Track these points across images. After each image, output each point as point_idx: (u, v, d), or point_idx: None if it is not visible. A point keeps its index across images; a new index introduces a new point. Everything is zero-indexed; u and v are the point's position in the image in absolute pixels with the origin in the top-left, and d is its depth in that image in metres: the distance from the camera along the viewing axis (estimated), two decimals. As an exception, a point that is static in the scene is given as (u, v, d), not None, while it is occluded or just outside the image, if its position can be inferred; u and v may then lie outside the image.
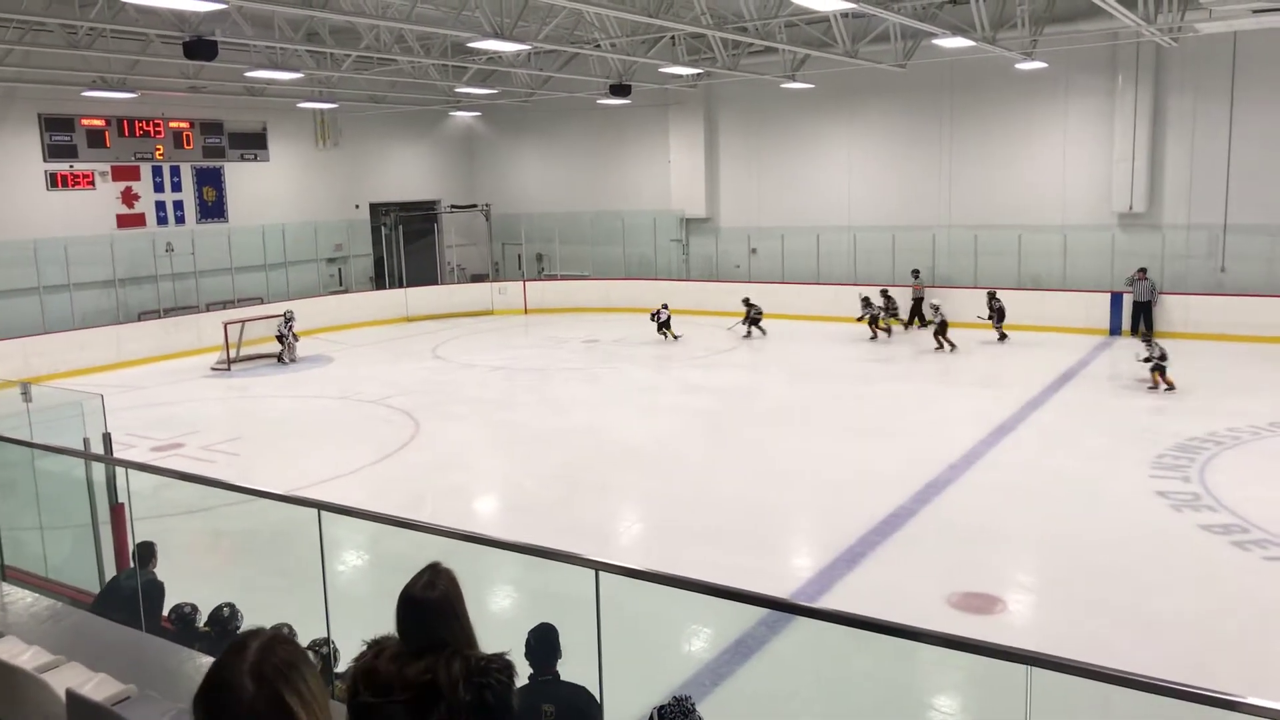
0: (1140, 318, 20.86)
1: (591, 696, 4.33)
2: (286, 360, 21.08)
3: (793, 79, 21.37)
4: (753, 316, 22.63)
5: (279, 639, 1.80)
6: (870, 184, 25.20)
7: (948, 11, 17.62)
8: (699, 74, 23.14)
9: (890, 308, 22.56)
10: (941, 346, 20.24)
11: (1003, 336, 20.94)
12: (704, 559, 9.31)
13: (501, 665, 2.56)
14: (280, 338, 21.21)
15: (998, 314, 21.02)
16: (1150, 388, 16.20)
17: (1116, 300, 21.36)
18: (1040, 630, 8.13)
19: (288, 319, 21.40)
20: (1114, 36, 19.79)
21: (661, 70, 21.57)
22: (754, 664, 7.44)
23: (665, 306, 22.88)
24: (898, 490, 11.41)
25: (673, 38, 20.07)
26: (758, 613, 7.48)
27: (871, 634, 3.47)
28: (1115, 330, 21.27)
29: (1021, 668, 3.10)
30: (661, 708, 2.80)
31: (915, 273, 23.74)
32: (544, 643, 4.61)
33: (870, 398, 16.65)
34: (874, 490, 11.52)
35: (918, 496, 11.29)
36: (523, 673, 4.67)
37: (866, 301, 22.14)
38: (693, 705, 2.93)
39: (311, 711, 1.74)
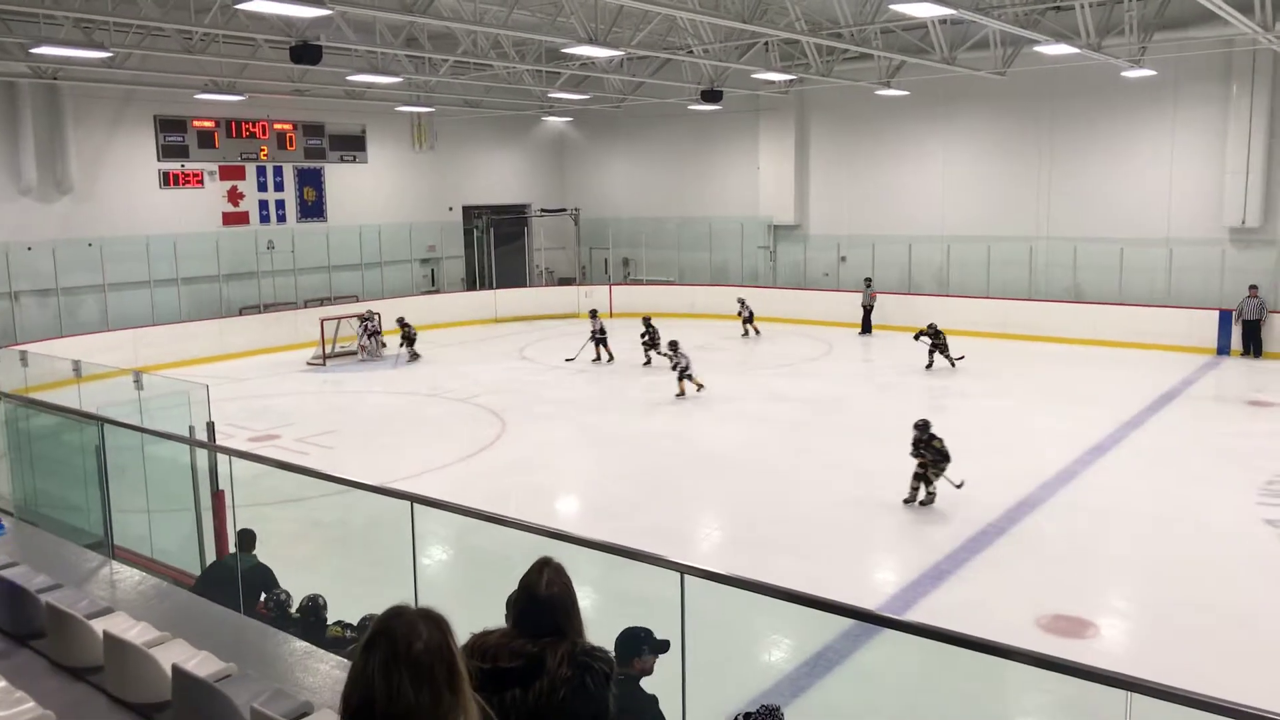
0: (1250, 338, 19.99)
1: (658, 709, 4.33)
2: (362, 357, 21.76)
3: (888, 85, 21.06)
4: (408, 335, 21.69)
5: (430, 607, 2.12)
6: (965, 193, 24.66)
7: (1051, 18, 17.14)
8: (791, 80, 22.98)
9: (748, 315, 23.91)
10: (747, 334, 23.45)
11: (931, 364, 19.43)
12: (785, 569, 9.22)
13: (605, 657, 2.66)
14: (371, 335, 21.97)
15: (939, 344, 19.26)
16: (679, 395, 16.98)
17: (1225, 318, 20.46)
18: (1134, 657, 7.84)
19: (365, 319, 22.14)
20: (1229, 44, 19.00)
21: (754, 76, 21.49)
22: (834, 677, 7.34)
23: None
24: (987, 508, 11.13)
25: (766, 43, 19.97)
26: (839, 625, 7.38)
27: (957, 652, 3.39)
28: (1224, 350, 20.38)
29: (1119, 694, 3.00)
30: (749, 714, 2.79)
31: (868, 281, 24.44)
32: (627, 644, 4.64)
33: (962, 412, 16.26)
34: (962, 506, 11.25)
35: (1008, 515, 11.00)
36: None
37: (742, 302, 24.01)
38: (782, 716, 2.91)
39: (464, 664, 2.06)
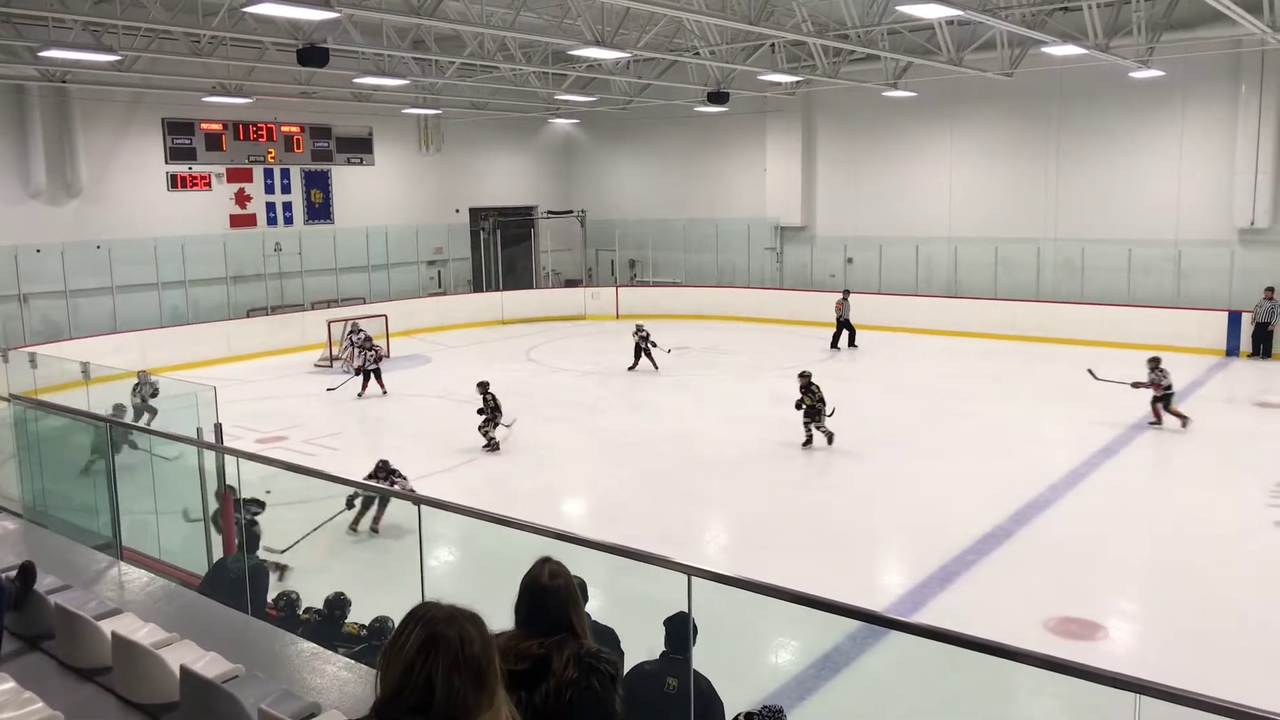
0: (1259, 340, 19.92)
1: (713, 688, 4.37)
2: (344, 368, 19.87)
3: (894, 87, 21.03)
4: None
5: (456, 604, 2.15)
6: (973, 194, 24.63)
7: (1058, 18, 17.10)
8: (798, 81, 22.97)
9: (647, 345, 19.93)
10: (656, 365, 19.81)
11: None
12: (792, 572, 9.16)
13: (610, 659, 2.65)
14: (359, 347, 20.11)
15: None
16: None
17: (1234, 320, 20.39)
18: (1143, 660, 7.81)
19: (353, 332, 20.22)
20: (1237, 44, 18.94)
21: (760, 78, 21.47)
22: (841, 679, 7.33)
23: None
24: (995, 510, 11.10)
25: (772, 45, 19.97)
26: (846, 627, 7.37)
27: (964, 654, 3.38)
28: (1233, 351, 20.31)
29: (1127, 697, 2.98)
30: (750, 714, 2.79)
31: (846, 292, 22.97)
32: (683, 629, 4.69)
33: (968, 414, 16.23)
34: (970, 509, 11.23)
35: (1016, 517, 10.97)
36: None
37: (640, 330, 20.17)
38: (784, 717, 2.91)
39: (499, 662, 2.09)
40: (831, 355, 21.80)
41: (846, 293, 23.02)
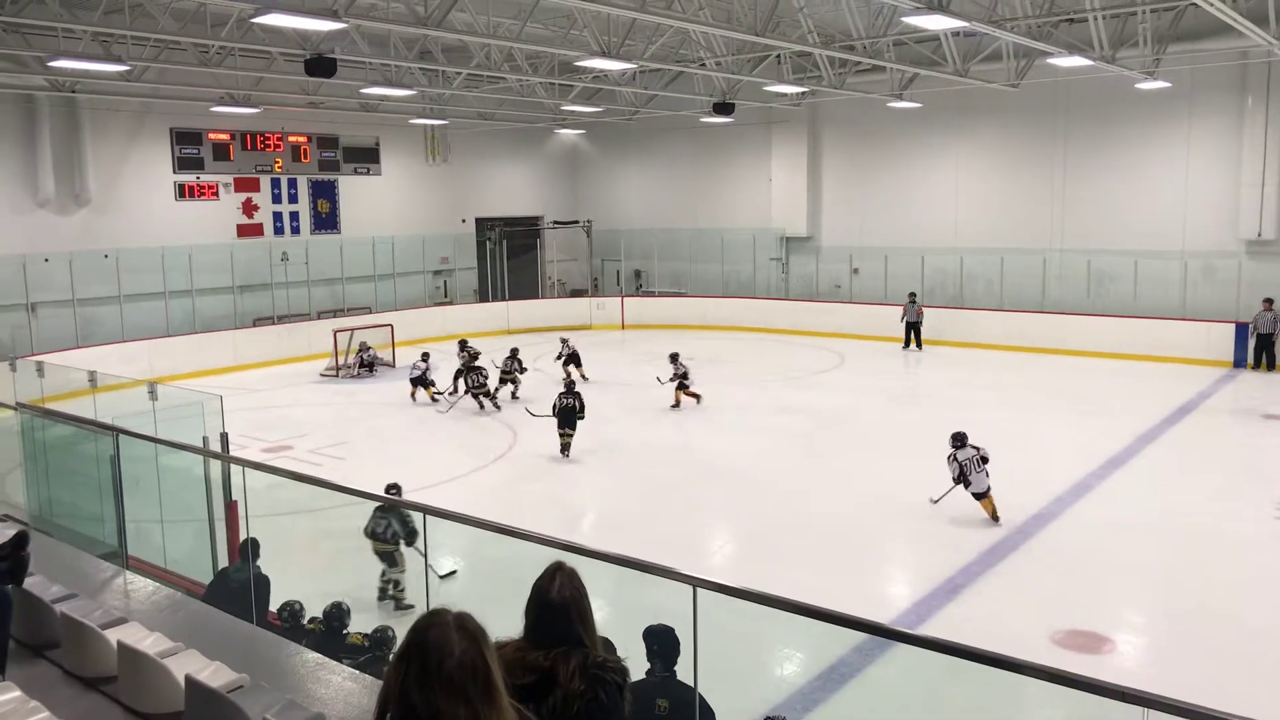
0: (1262, 351, 19.85)
1: (705, 701, 4.34)
2: (352, 374, 21.18)
3: (900, 98, 21.06)
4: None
5: (466, 614, 2.09)
6: (978, 205, 24.62)
7: (1064, 30, 17.12)
8: (803, 92, 23.01)
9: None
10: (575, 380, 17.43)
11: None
12: (796, 582, 9.15)
13: (617, 667, 2.63)
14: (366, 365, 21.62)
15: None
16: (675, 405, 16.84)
17: (1241, 331, 20.32)
18: (1152, 673, 7.77)
19: (363, 349, 21.62)
20: (1243, 55, 18.94)
21: (766, 88, 21.51)
22: (847, 691, 7.30)
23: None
24: (1002, 521, 11.06)
25: (778, 56, 20.01)
26: (852, 639, 7.33)
27: (971, 667, 3.37)
28: (1240, 363, 20.24)
29: (1136, 712, 2.97)
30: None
31: (912, 295, 23.30)
32: (666, 642, 4.64)
33: (973, 424, 16.08)
34: (976, 519, 11.19)
35: (1022, 528, 10.93)
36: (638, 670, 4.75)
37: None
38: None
39: (499, 673, 2.03)
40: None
41: (912, 296, 23.28)
